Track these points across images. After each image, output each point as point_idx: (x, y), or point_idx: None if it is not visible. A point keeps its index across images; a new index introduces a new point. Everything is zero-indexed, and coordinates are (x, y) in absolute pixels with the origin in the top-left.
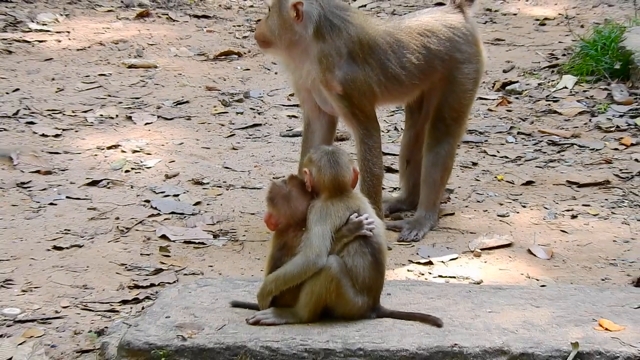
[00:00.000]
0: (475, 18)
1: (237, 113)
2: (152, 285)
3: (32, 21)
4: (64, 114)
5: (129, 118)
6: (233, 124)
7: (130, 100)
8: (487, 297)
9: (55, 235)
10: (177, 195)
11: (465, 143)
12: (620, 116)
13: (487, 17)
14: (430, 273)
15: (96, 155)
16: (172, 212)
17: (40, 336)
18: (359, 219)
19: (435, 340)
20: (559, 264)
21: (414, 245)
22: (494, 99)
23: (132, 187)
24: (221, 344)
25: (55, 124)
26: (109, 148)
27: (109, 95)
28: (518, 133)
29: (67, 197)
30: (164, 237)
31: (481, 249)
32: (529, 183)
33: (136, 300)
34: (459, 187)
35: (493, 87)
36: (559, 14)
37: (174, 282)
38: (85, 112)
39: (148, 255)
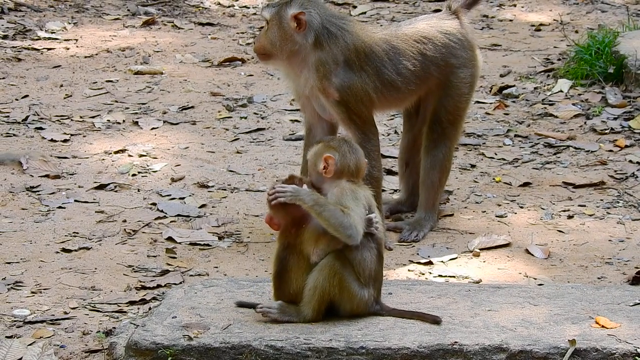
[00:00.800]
0: (472, 24)
1: (241, 118)
2: (158, 286)
3: (41, 29)
4: (72, 120)
5: (136, 123)
6: (237, 128)
7: (137, 106)
8: (486, 296)
9: (64, 237)
10: (182, 198)
11: (464, 146)
12: (615, 119)
13: (484, 23)
14: (430, 273)
15: (104, 159)
16: (178, 215)
17: (50, 337)
18: (369, 217)
19: (435, 339)
20: (556, 263)
21: (415, 245)
22: (491, 103)
23: (138, 191)
24: (227, 343)
25: (64, 130)
26: (116, 152)
27: (116, 101)
28: (515, 136)
29: (76, 200)
30: (170, 239)
31: (480, 249)
32: (526, 184)
33: (143, 301)
34: (458, 188)
35: (490, 91)
36: (554, 20)
37: (180, 283)
38: (92, 117)
39: (155, 256)
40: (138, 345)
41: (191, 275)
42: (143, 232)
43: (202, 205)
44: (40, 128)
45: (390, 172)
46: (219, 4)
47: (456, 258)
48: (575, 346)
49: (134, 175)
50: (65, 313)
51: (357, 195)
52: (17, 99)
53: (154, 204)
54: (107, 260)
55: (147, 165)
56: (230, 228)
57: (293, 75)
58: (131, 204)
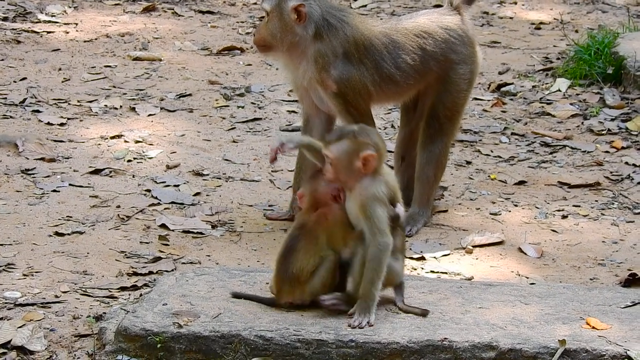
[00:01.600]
0: (472, 21)
1: (238, 107)
2: (150, 273)
3: (41, 12)
4: (69, 104)
5: (133, 109)
6: (234, 117)
7: (135, 92)
8: (478, 293)
9: (57, 221)
10: (177, 186)
11: (460, 142)
12: (612, 120)
13: (484, 19)
14: (422, 268)
15: (99, 144)
16: (172, 202)
17: (40, 320)
18: (396, 213)
19: (425, 334)
20: (549, 263)
21: (407, 240)
22: (489, 100)
23: (133, 177)
24: (216, 332)
25: (61, 113)
26: (112, 138)
27: (114, 87)
28: (512, 134)
29: (70, 184)
30: (163, 226)
31: (473, 246)
32: (521, 183)
33: (134, 287)
34: (453, 184)
35: (488, 88)
36: (554, 19)
37: (172, 270)
38: (90, 102)
39: (147, 243)
40: (128, 331)
41: (183, 263)
42: (136, 219)
43: (197, 194)
44: (37, 111)
45: None
46: None
47: (449, 254)
48: (565, 346)
49: (129, 161)
50: (56, 297)
51: (379, 195)
52: (15, 81)
53: (149, 190)
54: (99, 245)
55: (143, 152)
56: (224, 217)
57: (292, 66)
58: (125, 189)
